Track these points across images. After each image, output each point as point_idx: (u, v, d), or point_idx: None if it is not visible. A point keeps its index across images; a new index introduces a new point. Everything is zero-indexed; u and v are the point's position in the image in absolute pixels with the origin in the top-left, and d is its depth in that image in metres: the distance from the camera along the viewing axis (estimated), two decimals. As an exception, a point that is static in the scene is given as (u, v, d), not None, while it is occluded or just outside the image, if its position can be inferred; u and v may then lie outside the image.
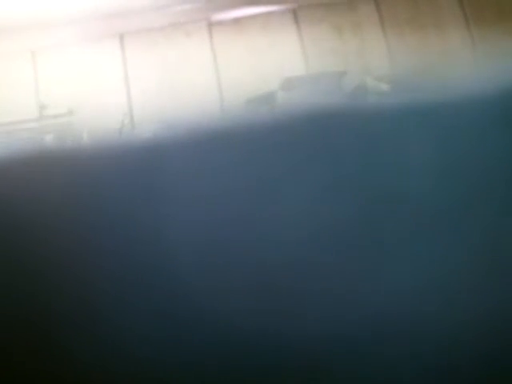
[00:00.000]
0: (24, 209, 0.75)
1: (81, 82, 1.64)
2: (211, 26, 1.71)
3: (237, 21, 1.72)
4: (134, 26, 1.69)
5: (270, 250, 0.74)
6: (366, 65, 1.65)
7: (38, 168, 0.78)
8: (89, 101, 1.61)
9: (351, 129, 0.76)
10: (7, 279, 0.74)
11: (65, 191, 0.77)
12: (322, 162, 0.75)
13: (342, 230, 0.73)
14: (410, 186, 0.75)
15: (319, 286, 0.72)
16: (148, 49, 1.68)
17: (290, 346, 0.71)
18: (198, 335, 0.72)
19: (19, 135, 1.49)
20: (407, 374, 0.73)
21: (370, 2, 1.71)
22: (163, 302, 0.74)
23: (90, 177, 0.78)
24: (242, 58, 1.69)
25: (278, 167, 0.76)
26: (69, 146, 0.78)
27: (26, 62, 1.63)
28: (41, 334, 0.75)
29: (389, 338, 0.71)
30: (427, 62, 1.61)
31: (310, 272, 0.73)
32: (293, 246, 0.74)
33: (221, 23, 1.72)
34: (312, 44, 1.69)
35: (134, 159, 0.83)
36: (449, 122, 0.74)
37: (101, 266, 0.75)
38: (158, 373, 0.73)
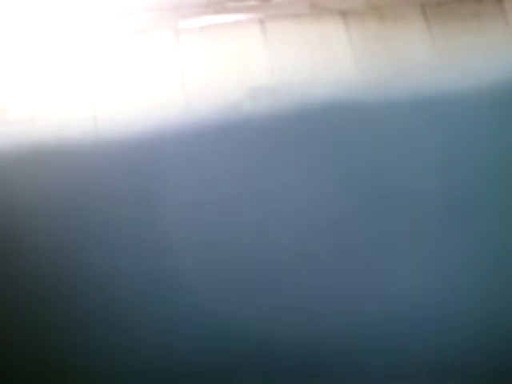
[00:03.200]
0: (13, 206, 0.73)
1: (44, 88, 1.61)
2: (178, 33, 1.70)
3: (204, 29, 1.71)
4: (99, 33, 1.67)
5: (272, 246, 0.72)
6: (333, 75, 1.65)
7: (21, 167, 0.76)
8: (53, 106, 1.58)
9: (352, 124, 0.75)
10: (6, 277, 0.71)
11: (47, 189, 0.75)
12: (325, 157, 0.74)
13: (343, 227, 0.72)
14: (416, 181, 0.74)
15: (322, 283, 0.71)
16: (113, 56, 1.66)
17: (290, 345, 0.69)
18: (199, 333, 0.70)
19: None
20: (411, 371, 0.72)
21: (336, 14, 1.71)
22: (163, 298, 0.72)
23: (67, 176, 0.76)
24: (209, 66, 1.68)
25: (277, 161, 0.75)
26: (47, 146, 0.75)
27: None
28: (40, 329, 0.72)
29: (399, 333, 0.70)
30: (393, 72, 1.62)
31: (314, 268, 0.71)
32: (295, 243, 0.73)
33: (188, 31, 1.71)
34: (279, 54, 1.69)
35: (100, 162, 0.82)
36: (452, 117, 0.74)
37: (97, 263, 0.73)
38: (160, 369, 0.71)
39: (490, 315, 0.74)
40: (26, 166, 0.83)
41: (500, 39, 1.68)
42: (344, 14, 1.72)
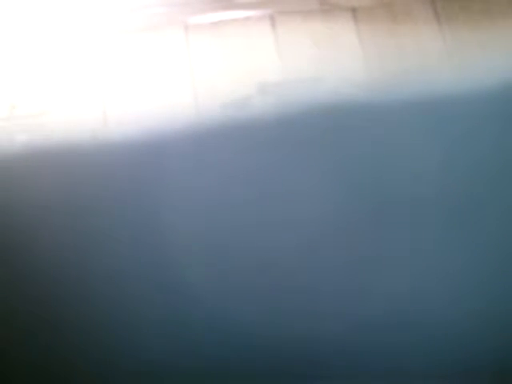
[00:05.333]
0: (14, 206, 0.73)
1: (52, 84, 1.61)
2: (188, 29, 1.70)
3: (214, 25, 1.71)
4: (109, 29, 1.67)
5: (276, 245, 0.72)
6: (342, 72, 1.65)
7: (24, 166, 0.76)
8: (62, 102, 1.58)
9: (361, 123, 0.75)
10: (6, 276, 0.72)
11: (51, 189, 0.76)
12: (327, 158, 0.74)
13: (349, 229, 0.72)
14: (417, 183, 0.74)
15: (323, 284, 0.70)
16: (122, 51, 1.66)
17: (291, 347, 0.69)
18: (201, 335, 0.70)
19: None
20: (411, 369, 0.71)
21: (346, 10, 1.71)
22: (163, 298, 0.72)
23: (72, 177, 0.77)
24: (218, 61, 1.68)
25: (279, 163, 0.74)
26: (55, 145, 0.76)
27: (-2, 60, 1.61)
28: (39, 329, 0.72)
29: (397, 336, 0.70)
30: (403, 70, 1.61)
31: (315, 268, 0.71)
32: (298, 245, 0.72)
33: (197, 27, 1.71)
34: (289, 50, 1.69)
35: (110, 160, 0.82)
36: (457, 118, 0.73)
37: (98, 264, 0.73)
38: (160, 372, 0.71)
39: (491, 318, 0.74)
40: (33, 162, 0.83)
41: (511, 35, 1.66)
42: (354, 11, 1.72)
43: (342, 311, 0.70)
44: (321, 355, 0.69)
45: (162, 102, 1.61)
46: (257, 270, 0.72)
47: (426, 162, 0.79)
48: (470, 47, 1.65)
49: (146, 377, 0.71)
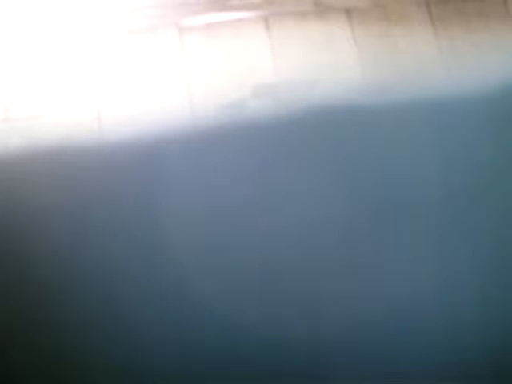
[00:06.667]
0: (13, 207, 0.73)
1: (46, 87, 1.61)
2: (182, 31, 1.70)
3: (208, 26, 1.71)
4: (103, 31, 1.67)
5: (272, 248, 0.72)
6: (337, 73, 1.65)
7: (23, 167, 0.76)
8: (56, 104, 1.58)
9: (355, 125, 0.75)
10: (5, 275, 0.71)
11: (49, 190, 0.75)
12: (326, 157, 0.74)
13: (346, 232, 0.72)
14: (415, 184, 0.74)
15: (323, 286, 0.70)
16: (117, 53, 1.66)
17: (291, 348, 0.69)
18: (201, 335, 0.71)
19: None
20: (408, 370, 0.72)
21: (341, 12, 1.71)
22: (164, 299, 0.73)
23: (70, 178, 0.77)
24: (213, 63, 1.68)
25: (278, 162, 0.74)
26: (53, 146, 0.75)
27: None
28: (40, 331, 0.72)
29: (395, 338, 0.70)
30: (398, 71, 1.62)
31: (313, 269, 0.71)
32: (296, 247, 0.73)
33: (192, 28, 1.71)
34: (283, 51, 1.69)
35: (105, 161, 0.82)
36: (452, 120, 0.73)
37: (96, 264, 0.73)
38: (162, 371, 0.71)
39: (490, 318, 0.74)
40: (28, 164, 0.83)
41: (505, 37, 1.67)
42: (348, 13, 1.72)
43: (342, 312, 0.71)
44: (321, 356, 0.69)
45: (156, 103, 1.61)
46: (254, 271, 0.72)
47: (422, 164, 0.80)
48: (464, 49, 1.66)
49: (146, 377, 0.72)
